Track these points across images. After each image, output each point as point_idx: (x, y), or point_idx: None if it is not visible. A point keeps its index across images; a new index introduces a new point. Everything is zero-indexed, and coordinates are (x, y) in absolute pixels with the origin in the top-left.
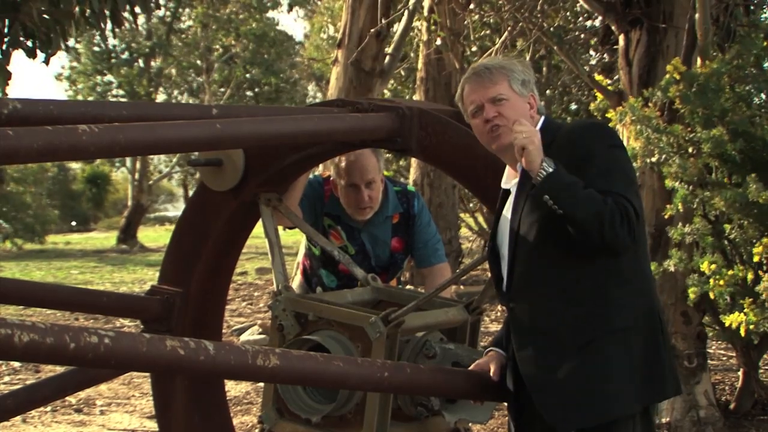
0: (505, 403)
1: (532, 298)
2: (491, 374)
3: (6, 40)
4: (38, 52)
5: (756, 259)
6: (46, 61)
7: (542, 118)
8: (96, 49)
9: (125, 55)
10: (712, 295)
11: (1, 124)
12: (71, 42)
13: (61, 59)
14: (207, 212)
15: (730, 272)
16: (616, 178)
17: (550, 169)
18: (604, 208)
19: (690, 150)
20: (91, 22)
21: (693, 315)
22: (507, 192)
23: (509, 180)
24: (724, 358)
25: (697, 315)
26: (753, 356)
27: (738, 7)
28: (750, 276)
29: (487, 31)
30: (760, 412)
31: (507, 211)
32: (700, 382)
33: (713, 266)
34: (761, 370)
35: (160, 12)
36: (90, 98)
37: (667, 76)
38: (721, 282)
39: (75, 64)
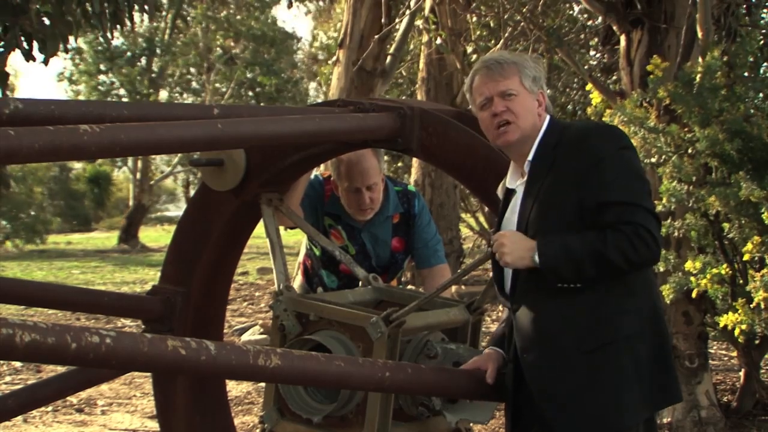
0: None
1: (537, 301)
2: (486, 376)
3: (1, 43)
4: (37, 53)
5: (746, 257)
6: (45, 62)
7: (548, 117)
8: (99, 48)
9: (128, 54)
10: (694, 294)
11: (3, 123)
12: (73, 42)
13: (64, 59)
14: (208, 212)
15: (714, 270)
16: (627, 184)
17: (538, 259)
18: (606, 250)
19: (690, 150)
20: (93, 23)
21: (694, 315)
22: (511, 191)
23: (514, 179)
24: (726, 358)
25: (699, 315)
26: (754, 356)
27: (739, 8)
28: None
29: (485, 32)
30: (761, 413)
31: (511, 211)
32: (702, 382)
33: (698, 263)
34: (762, 371)
35: (163, 12)
36: (92, 98)
37: (651, 75)
38: (704, 281)
39: (78, 61)
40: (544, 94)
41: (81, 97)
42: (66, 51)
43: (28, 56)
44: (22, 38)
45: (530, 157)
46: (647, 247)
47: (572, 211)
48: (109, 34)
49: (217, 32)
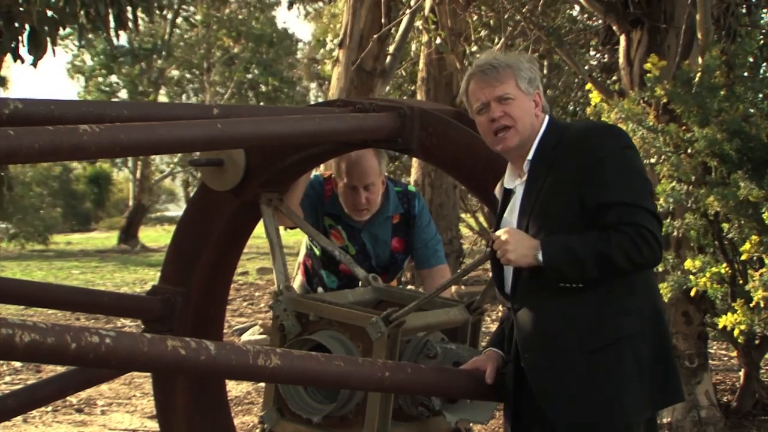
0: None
1: (538, 301)
2: (486, 376)
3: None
4: (27, 55)
5: (744, 257)
6: (34, 64)
7: (546, 117)
8: (103, 47)
9: (129, 57)
10: (693, 293)
11: (3, 123)
12: (76, 39)
13: (68, 55)
14: (208, 212)
15: (714, 269)
16: (628, 184)
17: (541, 258)
18: (609, 251)
19: (689, 150)
20: (97, 25)
21: (694, 315)
22: (509, 191)
23: (513, 179)
24: (725, 358)
25: (698, 315)
26: (754, 356)
27: (739, 7)
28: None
29: (486, 32)
30: (761, 413)
31: (510, 211)
32: (701, 382)
33: (698, 262)
34: (762, 371)
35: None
36: (95, 97)
37: (649, 74)
38: (703, 280)
39: (82, 61)
40: (540, 94)
41: (87, 97)
42: (54, 52)
43: (16, 56)
44: (12, 44)
45: (530, 156)
46: (650, 248)
47: (573, 210)
48: (113, 36)
49: (219, 31)
